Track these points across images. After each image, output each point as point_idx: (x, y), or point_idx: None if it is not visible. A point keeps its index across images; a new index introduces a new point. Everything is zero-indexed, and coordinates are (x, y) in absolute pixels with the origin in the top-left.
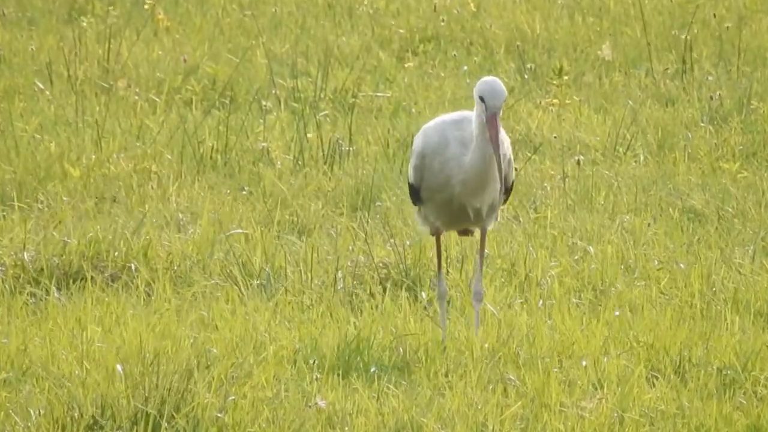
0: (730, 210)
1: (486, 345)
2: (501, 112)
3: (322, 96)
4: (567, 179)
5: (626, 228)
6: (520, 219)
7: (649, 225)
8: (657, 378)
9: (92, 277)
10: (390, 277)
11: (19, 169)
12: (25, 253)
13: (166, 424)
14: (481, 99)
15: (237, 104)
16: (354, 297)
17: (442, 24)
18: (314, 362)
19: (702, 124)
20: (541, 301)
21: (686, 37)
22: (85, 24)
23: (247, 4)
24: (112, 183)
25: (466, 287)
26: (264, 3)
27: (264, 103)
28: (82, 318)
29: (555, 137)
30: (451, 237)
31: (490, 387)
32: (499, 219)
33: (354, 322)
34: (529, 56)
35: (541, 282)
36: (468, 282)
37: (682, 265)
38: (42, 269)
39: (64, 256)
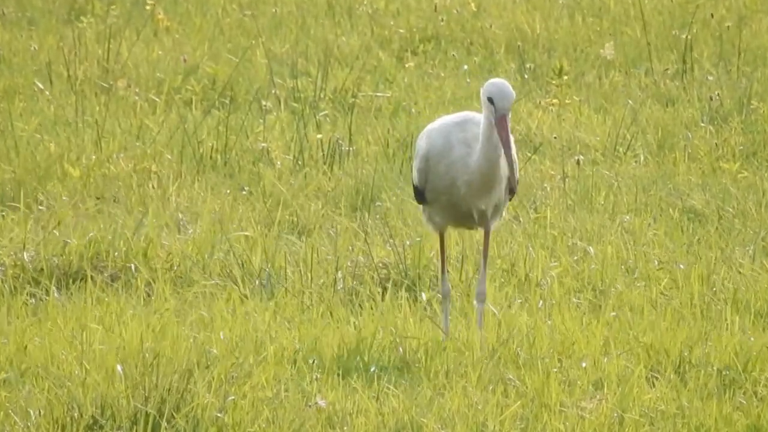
0: (730, 210)
1: (487, 344)
2: (510, 113)
3: (322, 96)
4: (567, 179)
5: (626, 228)
6: (520, 219)
7: (649, 225)
8: (657, 378)
9: (92, 277)
10: (390, 278)
11: (19, 169)
12: (25, 253)
13: (165, 424)
14: (490, 101)
15: (237, 104)
16: (354, 297)
17: (442, 24)
18: (314, 362)
19: (702, 124)
20: (541, 302)
21: (686, 37)
22: (84, 24)
23: (247, 4)
24: (112, 183)
25: (465, 287)
26: (264, 3)
27: (264, 103)
28: (82, 318)
29: (555, 137)
30: (451, 237)
31: (490, 387)
32: (504, 216)
33: (354, 322)
34: (529, 56)
35: (541, 282)
36: (468, 282)
37: (682, 266)
38: (42, 269)
39: (64, 256)
